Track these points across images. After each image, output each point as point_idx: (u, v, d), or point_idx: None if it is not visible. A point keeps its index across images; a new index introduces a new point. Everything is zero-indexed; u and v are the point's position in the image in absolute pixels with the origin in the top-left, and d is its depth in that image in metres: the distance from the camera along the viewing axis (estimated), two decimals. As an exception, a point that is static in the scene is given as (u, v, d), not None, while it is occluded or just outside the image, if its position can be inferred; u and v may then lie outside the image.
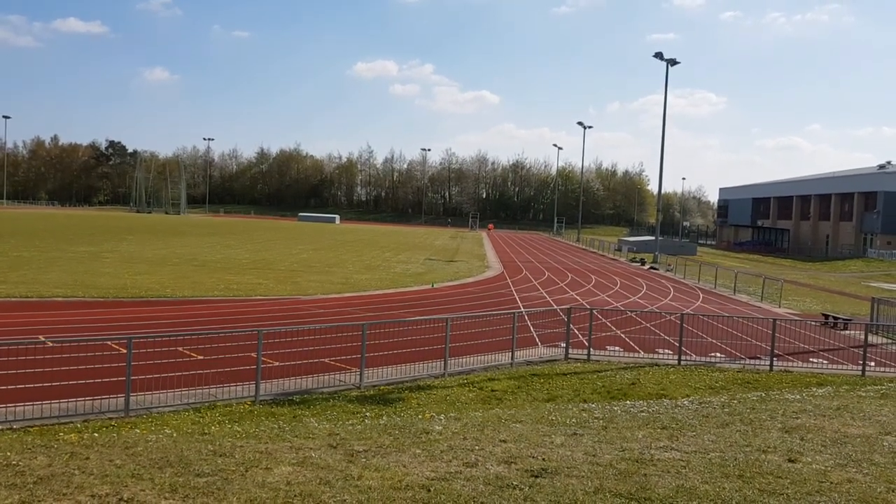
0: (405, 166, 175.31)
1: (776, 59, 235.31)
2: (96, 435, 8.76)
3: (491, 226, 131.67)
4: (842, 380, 15.95)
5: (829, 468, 7.54)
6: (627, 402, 12.33)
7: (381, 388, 13.54)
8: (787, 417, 10.42)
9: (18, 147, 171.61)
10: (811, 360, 18.63)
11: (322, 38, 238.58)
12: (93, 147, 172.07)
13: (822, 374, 16.82)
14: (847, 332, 23.37)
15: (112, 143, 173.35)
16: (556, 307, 24.61)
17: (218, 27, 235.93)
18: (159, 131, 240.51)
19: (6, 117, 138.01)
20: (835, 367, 17.85)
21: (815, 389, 14.08)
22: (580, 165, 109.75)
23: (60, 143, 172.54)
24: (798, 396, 12.81)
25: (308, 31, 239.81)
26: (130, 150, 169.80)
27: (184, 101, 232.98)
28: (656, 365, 16.79)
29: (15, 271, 27.98)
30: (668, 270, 48.30)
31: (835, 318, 24.90)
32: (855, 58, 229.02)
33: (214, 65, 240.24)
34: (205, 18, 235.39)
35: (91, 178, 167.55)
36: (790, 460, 7.79)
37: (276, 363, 14.08)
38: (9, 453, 7.13)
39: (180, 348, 15.05)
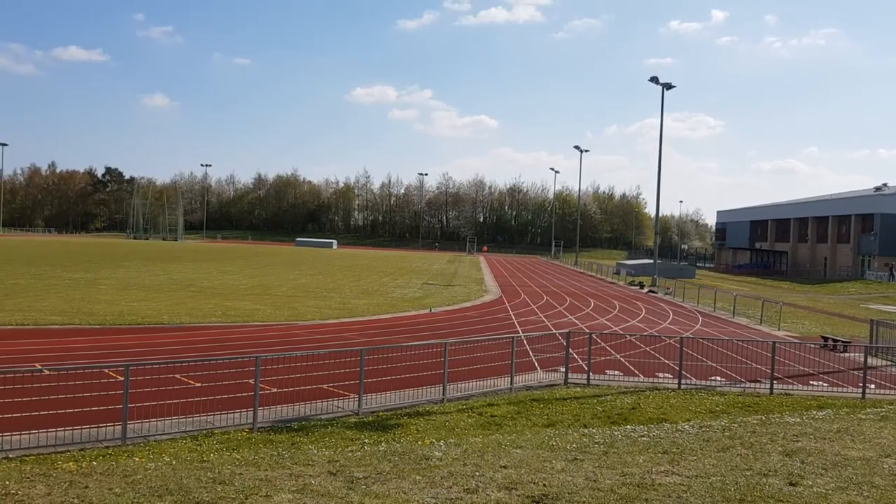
0: (402, 191, 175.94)
1: (773, 83, 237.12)
2: (94, 463, 8.70)
3: (486, 248, 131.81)
4: (842, 402, 15.91)
5: (830, 491, 7.50)
6: (628, 426, 12.27)
7: (380, 413, 13.47)
8: (788, 441, 10.39)
9: (16, 174, 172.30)
10: (811, 382, 18.58)
11: (321, 65, 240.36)
12: (90, 174, 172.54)
13: (822, 396, 16.77)
14: (846, 354, 23.34)
15: (109, 170, 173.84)
16: (554, 331, 24.56)
17: (219, 55, 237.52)
18: (158, 157, 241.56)
19: (3, 144, 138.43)
20: (835, 389, 17.81)
21: (815, 412, 14.04)
22: (577, 189, 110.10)
23: (57, 171, 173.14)
24: (798, 419, 12.78)
25: (308, 57, 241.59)
26: (128, 176, 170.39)
27: (182, 128, 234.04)
28: (656, 389, 16.73)
29: (11, 299, 27.91)
30: (666, 294, 48.29)
31: (834, 340, 24.88)
32: (851, 81, 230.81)
33: (214, 91, 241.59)
34: (206, 46, 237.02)
35: (88, 204, 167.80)
36: (791, 484, 7.75)
37: (274, 389, 14.03)
38: (7, 482, 7.08)
39: (177, 375, 14.99)
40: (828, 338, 25.52)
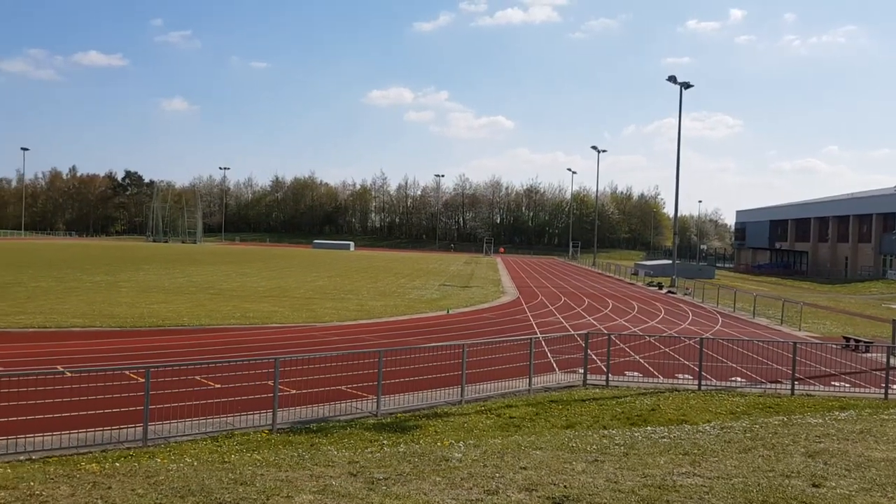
0: (419, 192, 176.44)
1: (792, 82, 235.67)
2: (117, 465, 8.78)
3: (502, 249, 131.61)
4: (864, 403, 15.74)
5: (853, 493, 7.42)
6: (648, 427, 12.20)
7: (398, 415, 13.49)
8: (810, 442, 10.29)
9: (37, 178, 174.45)
10: (833, 383, 18.39)
11: (338, 67, 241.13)
12: (110, 177, 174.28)
13: (844, 397, 16.60)
14: (868, 354, 23.09)
15: (129, 174, 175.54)
16: (573, 332, 24.49)
17: (236, 58, 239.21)
18: (176, 161, 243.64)
19: (24, 149, 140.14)
20: (857, 390, 17.61)
21: (837, 413, 13.90)
22: (595, 189, 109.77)
23: (78, 175, 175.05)
24: (820, 420, 12.65)
25: (324, 60, 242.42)
26: (147, 180, 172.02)
27: (201, 131, 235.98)
28: (676, 390, 16.63)
29: (33, 301, 28.22)
30: (686, 294, 48.01)
31: (856, 340, 24.63)
32: (871, 79, 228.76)
33: (232, 94, 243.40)
34: (223, 50, 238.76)
35: (108, 208, 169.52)
36: (814, 485, 7.67)
37: (293, 391, 14.08)
38: (32, 483, 7.15)
39: (197, 377, 15.08)
40: (849, 338, 25.27)
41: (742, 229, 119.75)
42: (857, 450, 9.67)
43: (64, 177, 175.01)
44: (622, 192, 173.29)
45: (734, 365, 20.00)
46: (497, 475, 7.83)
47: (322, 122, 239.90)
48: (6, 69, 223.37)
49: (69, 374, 13.22)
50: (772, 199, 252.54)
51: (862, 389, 17.64)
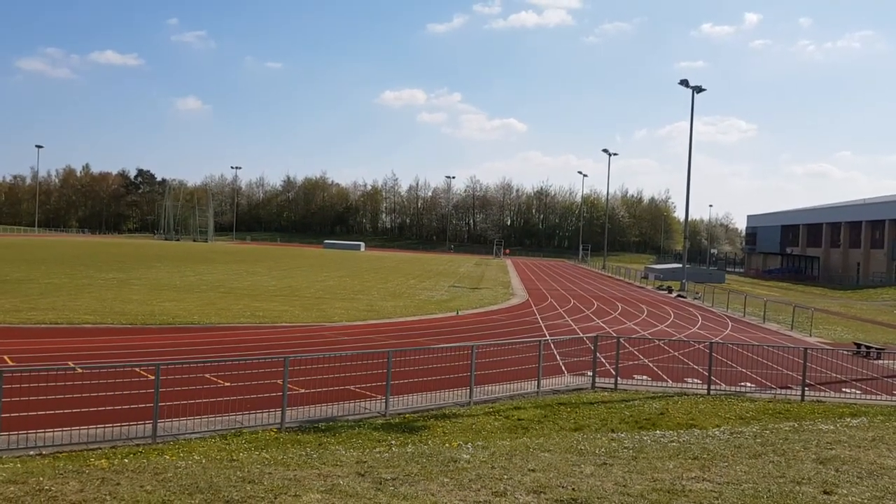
0: (430, 193, 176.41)
1: (806, 87, 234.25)
2: (126, 461, 8.80)
3: (507, 251, 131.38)
4: (876, 410, 15.61)
5: (865, 501, 7.36)
6: (657, 431, 12.15)
7: (407, 415, 13.48)
8: (822, 448, 10.21)
9: (51, 175, 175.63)
10: (844, 389, 18.26)
11: (351, 68, 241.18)
12: (122, 175, 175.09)
13: (855, 404, 16.48)
14: (880, 361, 22.92)
15: (141, 172, 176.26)
16: (582, 335, 24.42)
17: (250, 58, 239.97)
18: (189, 160, 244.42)
19: (39, 146, 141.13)
20: (868, 397, 17.48)
21: (848, 420, 13.80)
22: (605, 192, 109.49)
23: (91, 172, 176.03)
24: (832, 427, 12.56)
25: (338, 60, 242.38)
26: (159, 178, 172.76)
27: (214, 130, 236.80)
28: (685, 394, 16.56)
29: (46, 298, 28.37)
30: (695, 298, 47.81)
31: (867, 347, 24.45)
32: (886, 84, 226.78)
33: (245, 94, 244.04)
34: (238, 50, 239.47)
35: (120, 206, 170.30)
36: (826, 492, 7.61)
37: (302, 390, 14.09)
38: (41, 478, 7.18)
39: (207, 375, 15.12)
40: (861, 344, 25.09)
41: (753, 234, 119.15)
42: (870, 457, 9.60)
43: (77, 174, 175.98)
44: (633, 196, 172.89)
45: (744, 370, 19.89)
46: (505, 477, 7.81)
47: (335, 122, 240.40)
48: (23, 67, 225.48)
49: (80, 371, 13.29)
50: (783, 203, 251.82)
51: (873, 396, 17.52)
